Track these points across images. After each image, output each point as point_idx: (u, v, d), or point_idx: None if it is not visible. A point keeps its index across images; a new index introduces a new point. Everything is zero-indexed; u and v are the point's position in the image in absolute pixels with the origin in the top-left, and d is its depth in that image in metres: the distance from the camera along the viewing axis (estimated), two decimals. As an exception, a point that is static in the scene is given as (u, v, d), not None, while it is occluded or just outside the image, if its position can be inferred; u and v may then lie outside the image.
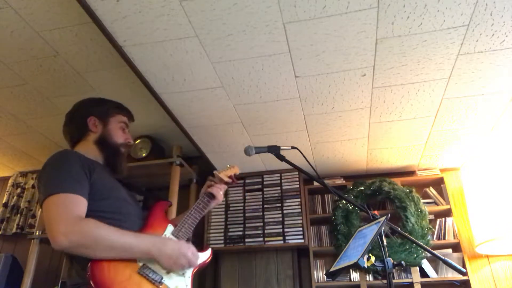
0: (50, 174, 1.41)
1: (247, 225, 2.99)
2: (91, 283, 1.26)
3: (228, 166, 1.92)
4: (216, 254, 3.02)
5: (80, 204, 1.34)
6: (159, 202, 1.66)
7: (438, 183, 3.04)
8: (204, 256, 1.58)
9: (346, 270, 2.51)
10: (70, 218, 1.28)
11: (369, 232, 1.55)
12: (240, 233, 2.96)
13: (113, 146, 1.65)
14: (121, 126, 1.72)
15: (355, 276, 2.78)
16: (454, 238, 2.77)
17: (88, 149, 1.61)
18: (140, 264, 1.36)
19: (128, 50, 1.83)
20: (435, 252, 1.70)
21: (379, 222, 1.55)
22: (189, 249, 1.45)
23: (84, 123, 1.65)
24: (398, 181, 2.98)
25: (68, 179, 1.37)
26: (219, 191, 1.76)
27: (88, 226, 1.29)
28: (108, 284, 1.27)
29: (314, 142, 2.74)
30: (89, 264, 1.29)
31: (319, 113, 2.38)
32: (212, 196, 1.74)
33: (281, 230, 2.91)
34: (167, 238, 1.48)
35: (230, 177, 1.84)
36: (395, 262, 1.50)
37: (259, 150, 1.89)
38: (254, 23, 1.68)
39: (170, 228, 1.55)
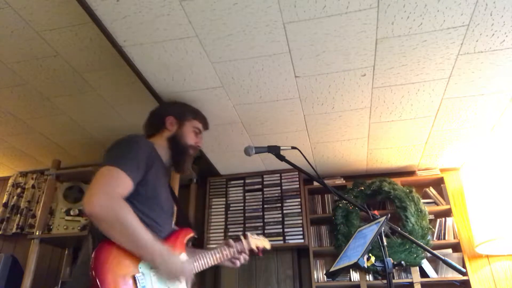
0: (118, 148, 1.53)
1: (247, 225, 2.99)
2: (93, 258, 1.29)
3: (262, 237, 1.98)
4: (216, 254, 3.02)
5: (126, 185, 1.42)
6: (185, 228, 1.72)
7: (438, 183, 3.04)
8: None
9: (346, 270, 2.51)
10: (111, 193, 1.36)
11: (369, 232, 1.55)
12: (240, 233, 2.96)
13: (182, 146, 1.80)
14: (194, 130, 1.89)
15: (355, 276, 2.78)
16: (454, 238, 2.77)
17: (160, 144, 1.76)
18: (140, 270, 1.39)
19: (128, 50, 1.83)
20: (435, 252, 1.70)
21: (379, 222, 1.55)
22: (189, 268, 1.52)
23: (163, 120, 1.83)
24: (398, 181, 2.98)
25: (130, 160, 1.47)
26: (240, 262, 1.82)
27: (120, 208, 1.35)
28: (106, 269, 1.30)
29: (314, 142, 2.74)
30: (100, 242, 1.34)
31: (319, 113, 2.38)
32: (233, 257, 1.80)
33: (281, 230, 2.91)
34: (175, 255, 1.52)
35: (258, 247, 1.90)
36: (395, 262, 1.50)
37: (259, 150, 1.89)
38: (254, 23, 1.68)
39: (182, 256, 1.60)
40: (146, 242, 1.37)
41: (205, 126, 2.02)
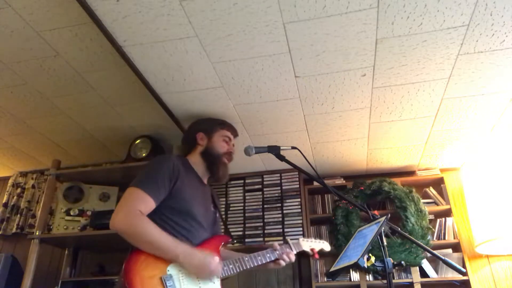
0: (143, 171, 1.70)
1: (247, 225, 2.99)
2: (124, 265, 1.45)
3: (319, 240, 2.01)
4: (216, 254, 3.02)
5: (147, 203, 1.57)
6: (220, 235, 1.83)
7: (438, 183, 3.04)
8: None
9: (346, 270, 2.51)
10: (131, 211, 1.52)
11: (369, 232, 1.55)
12: (240, 233, 2.96)
13: (214, 155, 1.95)
14: (224, 139, 2.04)
15: (355, 276, 2.78)
16: (454, 238, 2.77)
17: (195, 160, 1.93)
18: (168, 272, 1.48)
19: (128, 50, 1.83)
20: (435, 252, 1.70)
21: (379, 222, 1.55)
22: (213, 261, 1.54)
23: (194, 138, 2.01)
24: (398, 181, 2.98)
25: (150, 180, 1.63)
26: (285, 261, 1.84)
27: (139, 222, 1.51)
28: (134, 272, 1.42)
29: (314, 142, 2.74)
30: (130, 251, 1.50)
31: (319, 113, 2.38)
32: (276, 259, 1.81)
33: (281, 230, 2.91)
34: (196, 250, 1.58)
35: (312, 249, 1.94)
36: (395, 262, 1.50)
37: (259, 150, 1.90)
38: (254, 23, 1.68)
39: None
40: (166, 245, 1.50)
41: (234, 133, 2.15)
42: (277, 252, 1.82)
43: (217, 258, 1.58)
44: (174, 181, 1.68)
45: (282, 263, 1.84)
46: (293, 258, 1.86)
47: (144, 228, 1.50)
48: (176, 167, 1.74)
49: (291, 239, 1.92)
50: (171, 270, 1.49)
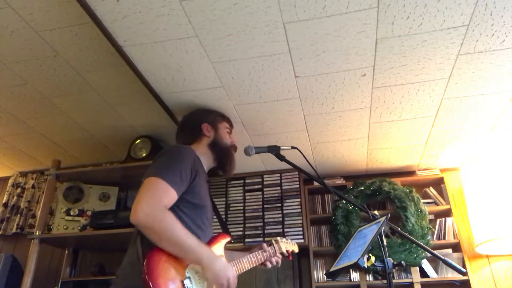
0: (163, 160, 1.60)
1: (247, 225, 2.99)
2: (144, 263, 1.37)
3: (290, 241, 2.02)
4: (216, 254, 3.01)
5: (171, 196, 1.49)
6: (223, 234, 1.79)
7: (438, 183, 3.04)
8: None
9: (346, 270, 2.51)
10: (156, 204, 1.43)
11: (369, 232, 1.55)
12: (240, 233, 2.96)
13: (224, 148, 1.93)
14: (227, 131, 2.04)
15: (355, 276, 2.78)
16: (454, 238, 2.77)
17: (201, 152, 1.85)
18: (187, 275, 1.46)
19: (128, 50, 1.83)
20: (435, 252, 1.70)
21: (379, 222, 1.55)
22: (233, 273, 1.53)
23: (199, 128, 1.94)
24: (398, 181, 2.98)
25: (173, 171, 1.53)
26: (273, 262, 1.84)
27: (165, 218, 1.42)
28: (157, 274, 1.37)
29: (314, 142, 2.74)
30: (151, 248, 1.41)
31: (319, 113, 2.38)
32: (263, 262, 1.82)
33: (281, 230, 2.91)
34: (220, 257, 1.55)
35: (287, 251, 1.93)
36: (395, 262, 1.50)
37: (259, 150, 1.90)
38: (254, 23, 1.68)
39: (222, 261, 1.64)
40: (191, 246, 1.43)
41: (232, 126, 2.15)
42: (266, 254, 1.81)
43: (235, 270, 1.58)
44: (194, 175, 1.61)
45: (269, 265, 1.83)
46: (279, 261, 1.86)
47: (172, 227, 1.41)
48: (197, 160, 1.69)
49: (274, 240, 1.91)
50: (189, 272, 1.47)
